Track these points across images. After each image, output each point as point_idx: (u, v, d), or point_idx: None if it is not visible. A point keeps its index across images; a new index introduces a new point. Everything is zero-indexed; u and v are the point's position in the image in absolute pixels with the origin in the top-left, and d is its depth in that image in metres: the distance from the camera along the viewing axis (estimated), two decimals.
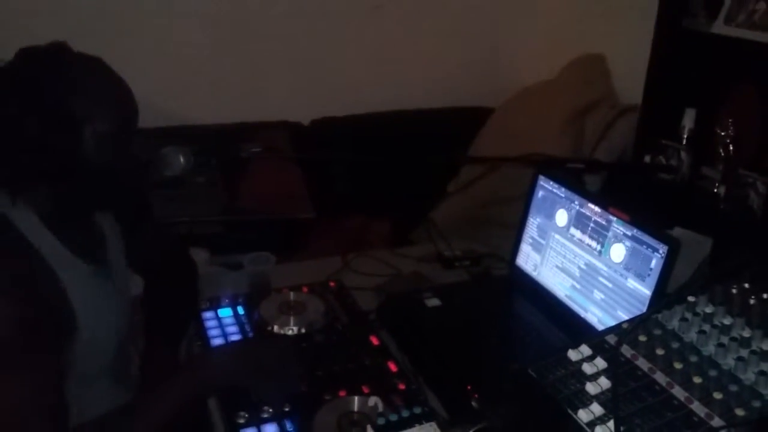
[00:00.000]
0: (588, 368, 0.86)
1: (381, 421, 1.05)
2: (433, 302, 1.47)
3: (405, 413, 1.08)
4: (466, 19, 2.59)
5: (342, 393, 1.16)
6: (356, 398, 1.13)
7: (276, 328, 1.35)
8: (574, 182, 1.47)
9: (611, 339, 0.90)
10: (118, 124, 1.05)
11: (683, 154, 1.75)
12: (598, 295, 1.35)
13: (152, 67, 2.14)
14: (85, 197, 1.09)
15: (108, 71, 1.07)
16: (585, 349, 0.89)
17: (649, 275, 1.23)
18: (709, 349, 0.85)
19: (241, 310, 1.43)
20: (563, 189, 1.46)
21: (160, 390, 1.08)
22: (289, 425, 1.09)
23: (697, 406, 0.78)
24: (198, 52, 2.29)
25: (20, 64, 1.01)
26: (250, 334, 1.35)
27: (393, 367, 1.25)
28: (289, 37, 2.39)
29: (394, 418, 1.06)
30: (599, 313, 1.34)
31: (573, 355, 0.89)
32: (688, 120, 1.74)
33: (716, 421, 0.75)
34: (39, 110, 0.98)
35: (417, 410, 1.09)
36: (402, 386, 1.19)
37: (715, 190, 1.68)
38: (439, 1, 2.55)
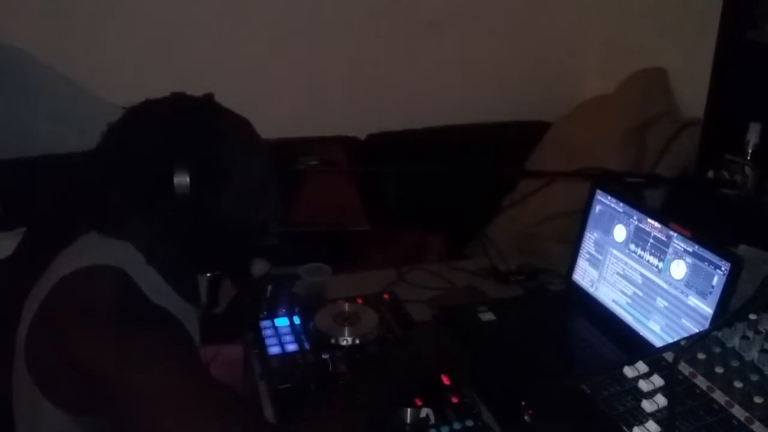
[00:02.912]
0: (644, 385, 0.84)
1: None
2: (487, 316, 1.47)
3: (456, 425, 1.08)
4: (523, 34, 2.58)
5: None
6: (409, 410, 1.13)
7: (332, 339, 1.37)
8: (633, 197, 1.44)
9: (669, 356, 0.88)
10: (258, 186, 1.06)
11: (748, 170, 1.69)
12: (657, 312, 1.32)
13: (210, 81, 2.19)
14: (206, 254, 1.08)
15: (254, 133, 1.08)
16: (641, 366, 0.88)
17: (710, 293, 1.20)
18: None
19: (297, 319, 1.45)
20: (621, 204, 1.44)
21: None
22: None
23: (758, 427, 0.75)
24: (255, 67, 2.34)
25: (171, 112, 1.01)
26: (306, 344, 1.38)
27: (446, 380, 1.25)
28: (346, 53, 2.43)
29: (445, 430, 1.06)
30: (658, 331, 1.31)
31: (629, 371, 0.87)
32: (753, 134, 1.68)
33: None
34: (189, 164, 0.96)
35: (469, 423, 1.09)
36: (455, 399, 1.19)
37: None
38: (495, 16, 2.55)
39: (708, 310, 1.19)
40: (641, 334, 1.35)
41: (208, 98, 1.06)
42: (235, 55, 2.31)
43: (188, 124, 0.99)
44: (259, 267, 1.60)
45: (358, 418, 1.00)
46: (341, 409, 1.01)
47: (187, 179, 0.95)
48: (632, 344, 1.34)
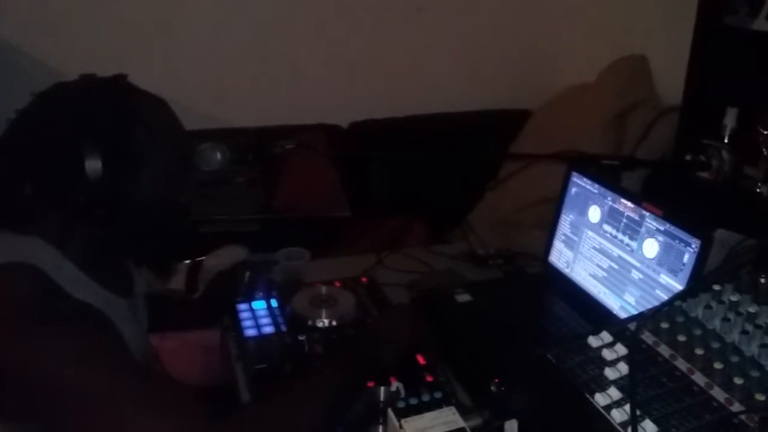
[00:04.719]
0: (608, 354, 0.86)
1: (401, 404, 1.06)
2: (464, 298, 1.47)
3: (425, 398, 1.09)
4: (506, 23, 2.60)
5: (370, 384, 1.17)
6: (382, 389, 1.13)
7: (309, 321, 1.37)
8: (608, 178, 1.45)
9: (633, 326, 0.89)
10: (176, 167, 1.03)
11: (725, 154, 1.70)
12: (630, 290, 1.33)
13: (193, 69, 2.21)
14: (126, 240, 1.05)
15: (171, 113, 1.04)
16: (605, 336, 0.89)
17: (681, 270, 1.21)
18: (733, 336, 0.84)
19: (274, 302, 1.46)
20: (596, 185, 1.45)
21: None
22: None
23: (717, 392, 0.76)
24: (237, 54, 2.34)
25: (81, 95, 0.97)
26: (283, 326, 1.38)
27: (421, 360, 1.25)
28: (330, 40, 2.44)
29: (413, 401, 1.07)
30: (632, 309, 1.32)
31: (593, 341, 0.89)
32: (730, 119, 1.70)
33: (736, 407, 0.74)
34: (101, 146, 0.92)
35: (438, 395, 1.10)
36: (430, 378, 1.19)
37: (758, 190, 1.64)
38: (479, 4, 2.56)
39: (679, 287, 1.20)
40: (614, 312, 1.36)
41: (120, 78, 1.01)
42: (216, 43, 2.31)
43: (98, 104, 0.95)
44: (236, 253, 1.61)
45: (322, 397, 1.00)
46: (305, 389, 1.00)
47: (100, 162, 0.91)
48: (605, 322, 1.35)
